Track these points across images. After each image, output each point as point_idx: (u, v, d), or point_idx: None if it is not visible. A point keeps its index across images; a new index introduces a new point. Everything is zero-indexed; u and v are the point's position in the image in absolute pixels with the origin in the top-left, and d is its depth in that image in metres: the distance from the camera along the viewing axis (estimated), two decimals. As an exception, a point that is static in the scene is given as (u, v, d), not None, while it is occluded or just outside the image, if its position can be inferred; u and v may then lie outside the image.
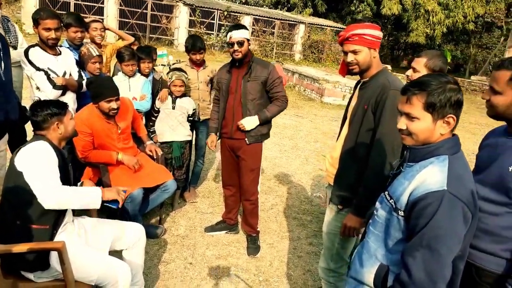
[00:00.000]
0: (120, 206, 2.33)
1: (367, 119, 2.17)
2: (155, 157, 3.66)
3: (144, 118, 3.98)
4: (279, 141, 7.10)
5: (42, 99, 2.32)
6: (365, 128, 2.18)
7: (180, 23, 19.85)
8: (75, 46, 3.62)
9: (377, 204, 1.60)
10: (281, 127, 8.06)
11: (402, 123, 1.49)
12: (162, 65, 6.11)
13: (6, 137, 2.77)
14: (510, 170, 1.68)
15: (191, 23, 19.86)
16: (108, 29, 4.42)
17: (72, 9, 17.78)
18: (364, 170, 2.15)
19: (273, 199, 4.67)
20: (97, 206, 2.25)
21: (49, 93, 2.90)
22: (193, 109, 3.92)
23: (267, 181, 5.17)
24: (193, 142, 4.38)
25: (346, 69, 2.28)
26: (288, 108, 10.56)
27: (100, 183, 3.29)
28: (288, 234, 3.93)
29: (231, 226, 3.79)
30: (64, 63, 3.08)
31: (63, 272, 2.05)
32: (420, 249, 1.34)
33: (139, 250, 2.52)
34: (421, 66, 2.43)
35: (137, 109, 3.74)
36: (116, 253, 2.47)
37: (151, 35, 19.45)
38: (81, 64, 3.50)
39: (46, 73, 2.90)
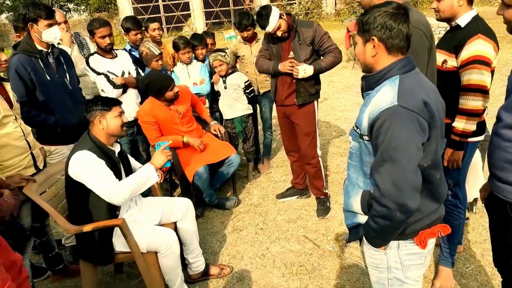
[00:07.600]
0: (171, 162, 2.66)
1: None
2: (219, 136, 3.91)
3: (207, 101, 4.24)
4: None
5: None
6: None
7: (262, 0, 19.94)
8: (136, 46, 4.02)
9: (349, 138, 1.66)
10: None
11: None
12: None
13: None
14: None
15: (273, -3, 19.83)
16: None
17: (162, 11, 19.18)
18: None
19: (348, 159, 4.58)
20: (156, 178, 2.50)
21: (111, 93, 3.30)
22: (245, 82, 4.05)
23: (344, 143, 5.08)
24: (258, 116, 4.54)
25: None
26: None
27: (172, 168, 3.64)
28: (361, 193, 3.85)
29: (301, 190, 3.87)
30: (121, 64, 3.45)
31: (128, 245, 2.39)
32: (383, 164, 1.42)
33: (189, 220, 2.75)
34: None
35: (198, 93, 4.02)
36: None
37: (235, 19, 19.94)
38: (142, 62, 3.87)
39: (106, 76, 3.30)
